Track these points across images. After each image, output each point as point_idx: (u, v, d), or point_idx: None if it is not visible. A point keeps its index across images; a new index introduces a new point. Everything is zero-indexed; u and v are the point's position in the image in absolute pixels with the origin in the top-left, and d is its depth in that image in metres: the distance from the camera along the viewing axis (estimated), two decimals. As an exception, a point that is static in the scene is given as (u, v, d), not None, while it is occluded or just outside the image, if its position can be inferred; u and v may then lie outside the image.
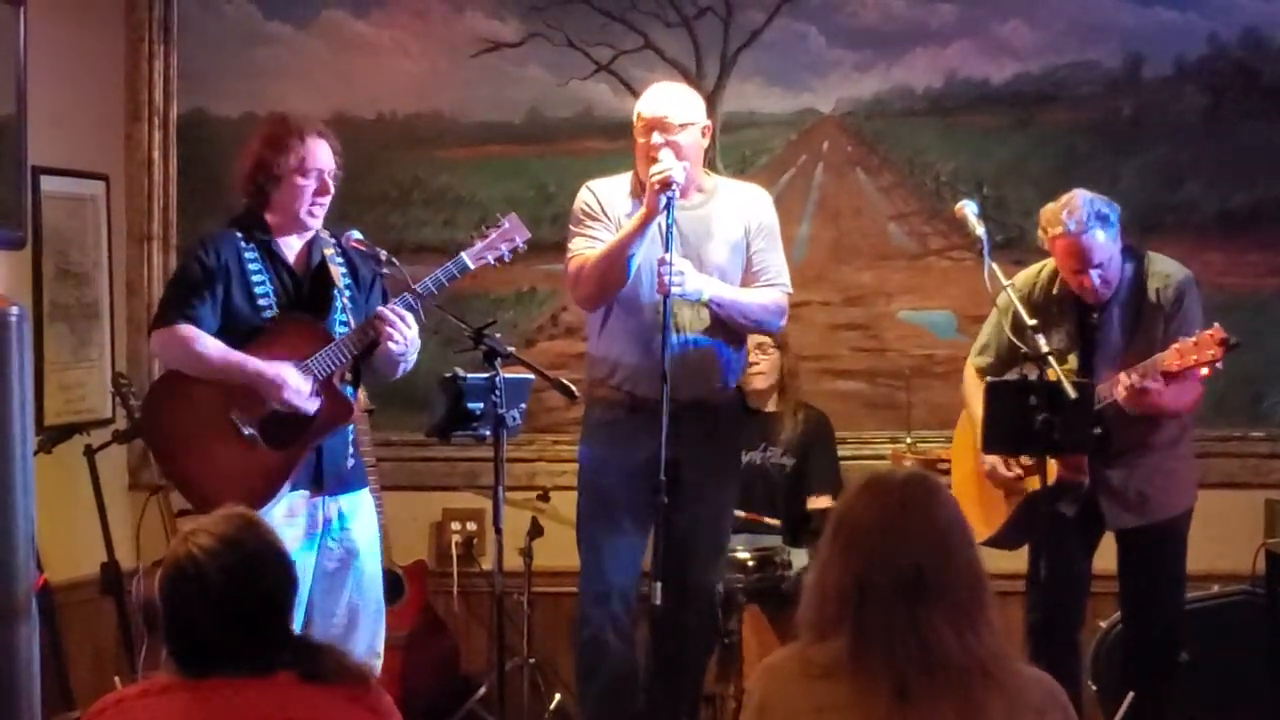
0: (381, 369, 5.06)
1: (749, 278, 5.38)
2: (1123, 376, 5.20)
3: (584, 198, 5.39)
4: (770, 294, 5.39)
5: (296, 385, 4.82)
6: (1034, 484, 5.28)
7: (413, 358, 5.02)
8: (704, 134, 5.35)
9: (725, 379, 5.40)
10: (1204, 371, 5.17)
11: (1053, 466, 5.21)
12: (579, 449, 5.52)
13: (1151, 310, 5.38)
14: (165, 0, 6.97)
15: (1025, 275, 5.55)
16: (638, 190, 5.32)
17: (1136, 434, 5.37)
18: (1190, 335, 5.18)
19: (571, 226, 5.38)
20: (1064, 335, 5.39)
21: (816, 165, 6.88)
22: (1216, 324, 5.15)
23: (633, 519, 5.32)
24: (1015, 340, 5.30)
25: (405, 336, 4.88)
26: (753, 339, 6.09)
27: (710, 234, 5.31)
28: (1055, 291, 5.47)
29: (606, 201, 5.35)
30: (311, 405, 4.85)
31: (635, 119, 5.33)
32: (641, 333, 5.25)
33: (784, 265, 5.46)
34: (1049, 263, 5.52)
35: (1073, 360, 5.36)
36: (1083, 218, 5.26)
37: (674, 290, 5.05)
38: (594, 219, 5.33)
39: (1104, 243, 5.29)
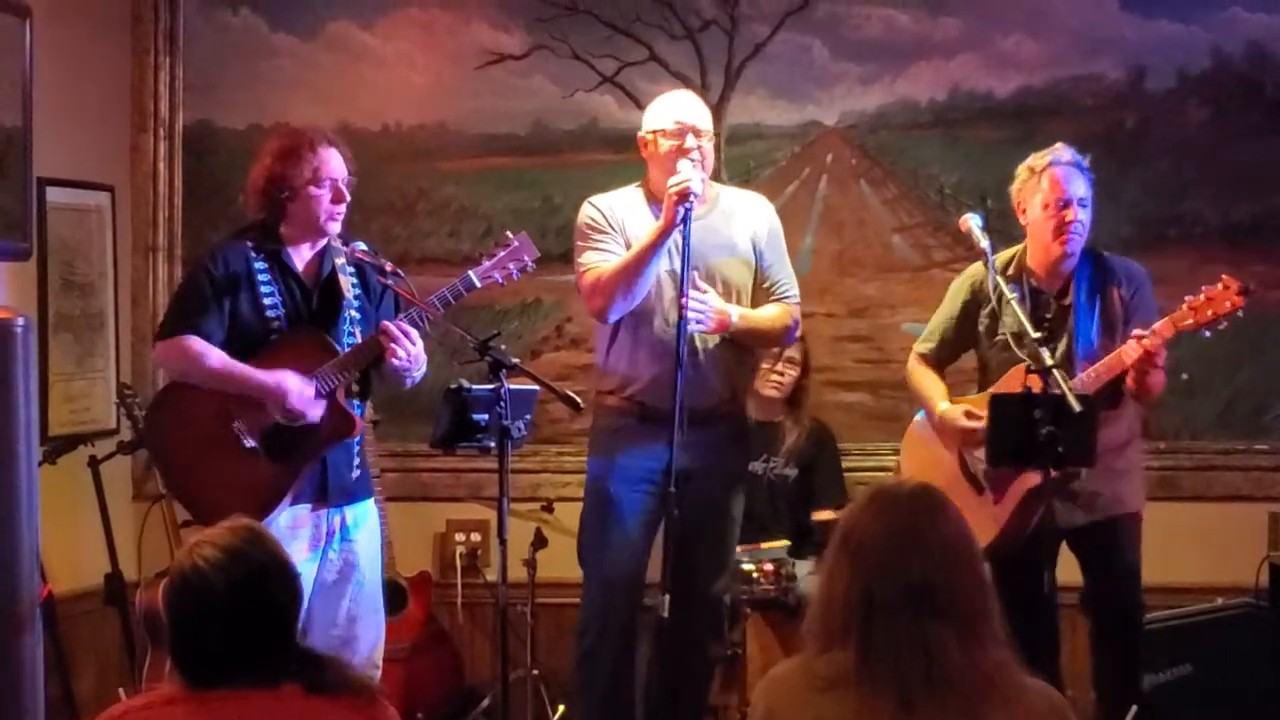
0: (391, 380, 5.07)
1: (760, 293, 5.40)
2: (1131, 344, 5.16)
3: (588, 213, 5.39)
4: (786, 312, 5.42)
5: (299, 391, 4.83)
6: (1026, 481, 5.27)
7: (419, 373, 5.03)
8: (712, 143, 5.39)
9: (734, 391, 5.41)
10: (1223, 325, 5.18)
11: None
12: (588, 459, 5.53)
13: (1115, 304, 5.40)
14: (171, 12, 6.97)
15: (978, 264, 5.54)
16: (650, 198, 5.34)
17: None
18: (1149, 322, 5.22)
19: (579, 242, 5.38)
20: (1019, 319, 5.39)
21: (820, 177, 6.89)
22: (1225, 274, 5.17)
23: (638, 529, 5.32)
24: (1015, 349, 5.31)
25: (409, 352, 4.89)
26: (785, 353, 6.30)
27: (717, 245, 5.32)
28: (1009, 272, 5.48)
29: (610, 214, 5.35)
30: (316, 410, 4.85)
31: (663, 124, 5.30)
32: (654, 345, 5.25)
33: (792, 275, 5.50)
34: (1003, 254, 5.53)
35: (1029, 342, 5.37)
36: (1071, 154, 5.40)
37: (697, 329, 5.10)
38: (601, 231, 5.33)
39: (1078, 182, 5.38)
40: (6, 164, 6.18)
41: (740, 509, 5.52)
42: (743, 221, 5.40)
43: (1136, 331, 5.19)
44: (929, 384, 5.64)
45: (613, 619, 5.35)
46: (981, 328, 5.55)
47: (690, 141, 5.23)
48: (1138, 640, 5.56)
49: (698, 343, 5.25)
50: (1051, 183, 5.40)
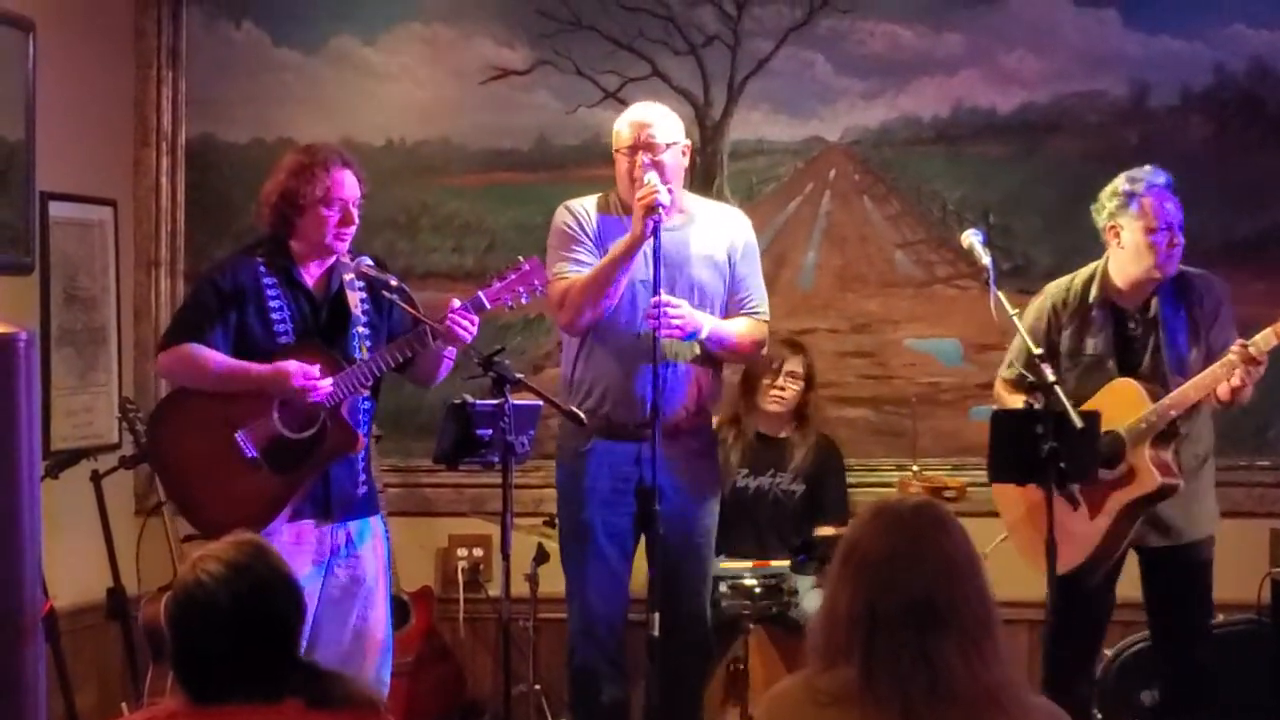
0: (420, 378, 5.13)
1: (732, 305, 5.43)
2: (1237, 349, 5.16)
3: (564, 218, 5.42)
4: (756, 327, 5.47)
5: (300, 369, 4.84)
6: (1131, 493, 5.30)
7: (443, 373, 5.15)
8: (684, 154, 5.39)
9: (704, 404, 5.43)
10: None
11: (1152, 472, 5.24)
12: (556, 471, 5.54)
13: (1197, 318, 5.43)
14: (174, 26, 6.98)
15: (1055, 285, 5.60)
16: (606, 209, 5.39)
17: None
18: (1229, 337, 5.25)
19: (556, 248, 5.40)
20: (1102, 341, 5.45)
21: (823, 193, 6.89)
22: None
23: (615, 547, 5.35)
24: (1022, 369, 5.32)
25: (472, 333, 4.97)
26: (785, 367, 6.24)
27: (692, 257, 5.35)
28: (1093, 297, 5.50)
29: (585, 220, 5.38)
30: (326, 383, 4.86)
31: (615, 139, 5.36)
32: (623, 358, 5.27)
33: (764, 291, 5.53)
34: (1081, 272, 5.57)
35: (1111, 366, 5.41)
36: (1164, 177, 5.43)
37: (670, 333, 5.11)
38: (576, 241, 5.36)
39: (1171, 209, 5.40)
40: (9, 178, 6.18)
41: (714, 522, 5.52)
42: (718, 234, 5.43)
43: (1240, 341, 5.20)
44: None
45: (598, 641, 5.37)
46: (1063, 348, 5.53)
47: (644, 158, 5.23)
48: (1194, 662, 5.53)
49: (670, 360, 5.25)
50: (1152, 210, 5.41)
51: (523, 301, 5.15)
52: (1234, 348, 5.20)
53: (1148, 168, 5.50)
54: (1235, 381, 5.20)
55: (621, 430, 5.25)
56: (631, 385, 5.21)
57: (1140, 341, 5.46)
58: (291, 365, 4.85)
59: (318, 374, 4.86)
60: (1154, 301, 5.46)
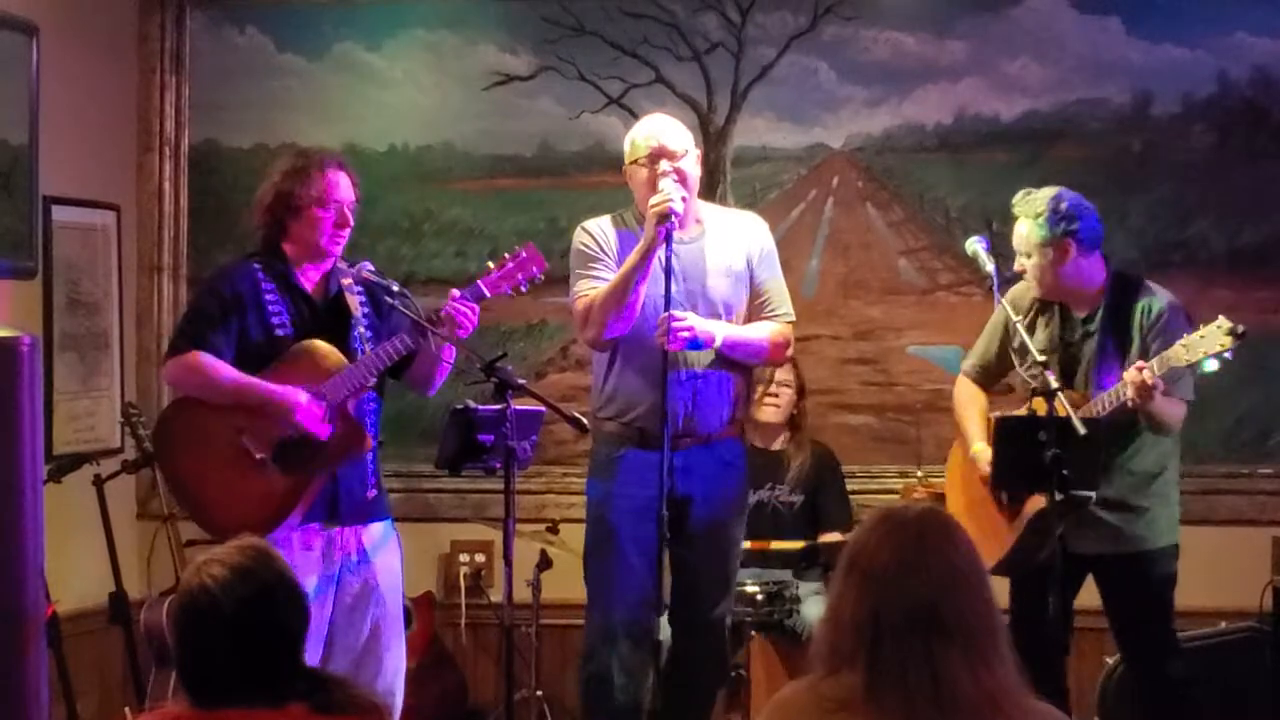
0: (417, 384, 5.13)
1: (754, 309, 5.39)
2: (1131, 372, 5.09)
3: (581, 239, 5.40)
4: (775, 329, 5.40)
5: (307, 407, 4.85)
6: (1037, 503, 5.24)
7: (441, 379, 5.15)
8: (698, 163, 5.39)
9: (734, 413, 5.41)
10: (1213, 364, 5.10)
11: None
12: (587, 483, 5.53)
13: (1134, 333, 5.33)
14: (177, 31, 7.00)
15: (1016, 287, 5.54)
16: (621, 225, 5.38)
17: (1113, 456, 5.32)
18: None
19: (575, 269, 5.38)
20: (1042, 341, 5.38)
21: (827, 200, 6.90)
22: (1222, 315, 5.11)
23: (641, 555, 5.31)
24: (1026, 377, 5.32)
25: (472, 322, 5.00)
26: (776, 377, 6.23)
27: (711, 266, 5.32)
28: (1033, 296, 5.48)
29: (603, 239, 5.36)
30: (323, 430, 4.87)
31: (631, 150, 5.34)
32: (652, 370, 5.24)
33: (786, 292, 5.47)
34: None
35: (1053, 369, 5.30)
36: (1019, 198, 5.41)
37: (675, 346, 5.09)
38: (594, 259, 5.34)
39: (1024, 234, 5.36)
40: (13, 182, 6.19)
41: (742, 532, 5.51)
42: (736, 241, 5.40)
43: (1138, 364, 5.15)
44: (968, 416, 5.58)
45: (618, 649, 5.35)
46: (1014, 347, 5.51)
47: (665, 165, 5.23)
48: (1167, 678, 5.48)
49: (697, 366, 5.24)
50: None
51: (522, 290, 5.15)
52: (1130, 371, 5.11)
53: (1039, 192, 5.45)
54: (1130, 392, 5.12)
55: (654, 441, 5.22)
56: (662, 398, 5.19)
57: (1079, 349, 5.41)
58: (301, 397, 4.86)
59: (321, 414, 4.86)
60: (1100, 311, 5.39)
